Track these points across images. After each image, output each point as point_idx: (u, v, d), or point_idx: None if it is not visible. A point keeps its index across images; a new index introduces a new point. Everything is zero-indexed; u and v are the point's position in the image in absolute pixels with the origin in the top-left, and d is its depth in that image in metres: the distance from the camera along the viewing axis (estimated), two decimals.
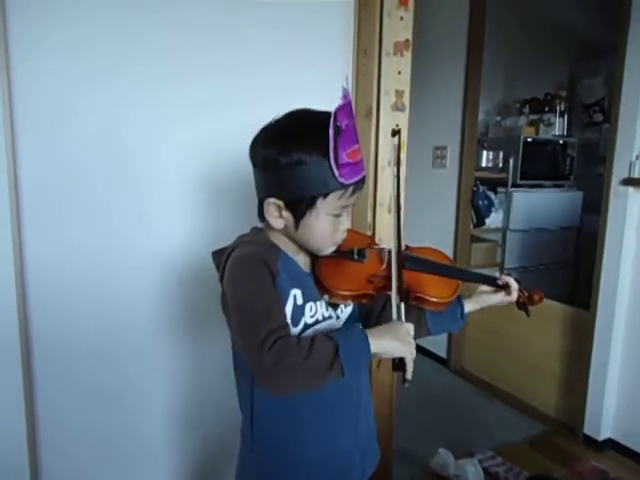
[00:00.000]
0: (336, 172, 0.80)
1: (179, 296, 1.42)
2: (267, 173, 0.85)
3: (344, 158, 0.80)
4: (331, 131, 0.78)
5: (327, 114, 0.79)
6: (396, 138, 0.96)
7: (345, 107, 0.80)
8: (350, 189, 0.84)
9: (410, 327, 0.84)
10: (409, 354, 0.80)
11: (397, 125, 1.52)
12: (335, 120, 0.78)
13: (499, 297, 1.03)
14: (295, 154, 0.80)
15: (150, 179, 1.34)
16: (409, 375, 0.80)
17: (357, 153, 0.83)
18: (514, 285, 1.02)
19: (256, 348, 0.75)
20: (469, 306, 1.04)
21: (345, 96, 0.81)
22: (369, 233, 1.52)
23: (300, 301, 0.87)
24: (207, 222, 1.42)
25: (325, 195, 0.82)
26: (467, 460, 1.97)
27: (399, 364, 0.81)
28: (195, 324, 1.45)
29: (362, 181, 0.86)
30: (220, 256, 0.89)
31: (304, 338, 0.78)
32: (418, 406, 2.44)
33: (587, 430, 2.24)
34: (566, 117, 3.51)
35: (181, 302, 1.43)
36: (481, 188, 3.05)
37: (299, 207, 0.84)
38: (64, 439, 1.34)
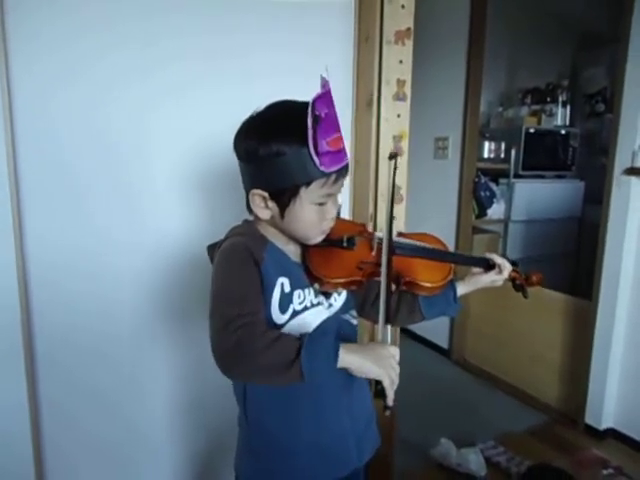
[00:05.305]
0: (316, 160, 0.80)
1: (175, 291, 1.41)
2: (250, 165, 0.86)
3: (324, 146, 0.80)
4: (309, 120, 0.78)
5: (307, 104, 0.79)
6: (392, 162, 0.93)
7: (324, 96, 0.80)
8: (333, 177, 0.84)
9: (395, 351, 0.80)
10: (387, 378, 0.77)
11: (398, 115, 1.51)
12: (313, 109, 0.78)
13: (491, 277, 1.04)
14: (274, 145, 0.81)
15: (144, 174, 1.32)
16: (389, 402, 0.77)
17: (338, 141, 0.84)
18: (507, 265, 1.03)
19: (220, 329, 0.76)
20: (462, 289, 1.05)
21: (324, 85, 0.81)
22: (370, 224, 1.52)
23: (288, 289, 0.87)
24: (202, 216, 1.41)
25: (307, 184, 0.83)
26: (469, 449, 1.98)
27: (380, 390, 0.76)
28: (192, 318, 1.44)
29: (345, 169, 0.87)
30: (214, 250, 0.91)
31: (272, 330, 0.78)
32: (420, 396, 2.45)
33: (588, 420, 2.24)
34: (568, 107, 3.48)
35: (177, 297, 1.42)
36: (483, 179, 3.03)
37: (283, 197, 0.85)
38: (66, 438, 1.34)
